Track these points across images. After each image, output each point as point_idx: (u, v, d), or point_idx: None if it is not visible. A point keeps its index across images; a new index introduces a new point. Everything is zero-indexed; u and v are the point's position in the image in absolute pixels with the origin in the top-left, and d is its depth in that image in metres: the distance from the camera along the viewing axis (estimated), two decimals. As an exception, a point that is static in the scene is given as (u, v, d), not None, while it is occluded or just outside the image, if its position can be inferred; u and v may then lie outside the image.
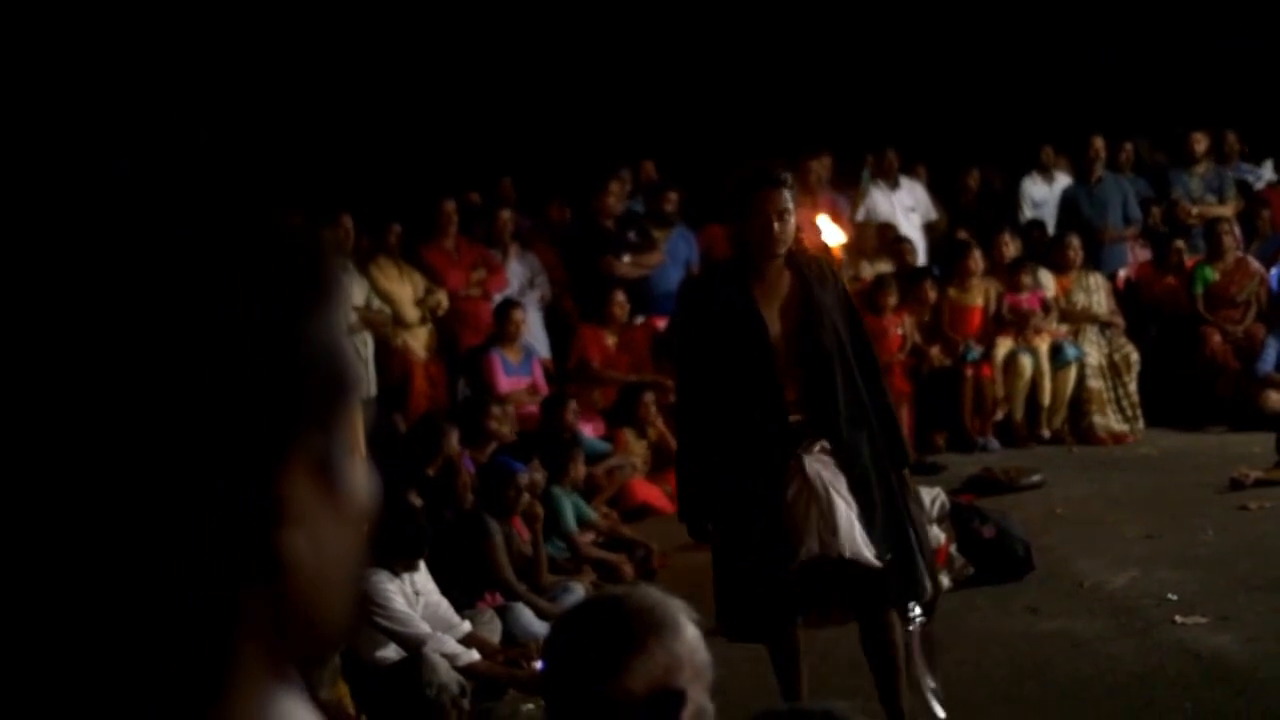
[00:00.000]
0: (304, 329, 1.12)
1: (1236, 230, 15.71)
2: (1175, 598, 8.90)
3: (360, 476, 1.17)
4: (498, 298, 13.93)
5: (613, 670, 2.91)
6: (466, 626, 8.26)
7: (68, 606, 1.05)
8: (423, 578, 8.21)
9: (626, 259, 14.64)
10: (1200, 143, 16.94)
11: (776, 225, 6.66)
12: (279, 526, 1.09)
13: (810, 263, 6.97)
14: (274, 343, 1.09)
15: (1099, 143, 16.54)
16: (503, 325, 13.38)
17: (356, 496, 1.17)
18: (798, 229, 6.98)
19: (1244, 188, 17.42)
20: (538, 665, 7.61)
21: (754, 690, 7.56)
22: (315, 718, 1.21)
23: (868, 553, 6.51)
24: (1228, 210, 16.42)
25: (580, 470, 11.21)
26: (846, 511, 6.55)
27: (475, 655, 8.01)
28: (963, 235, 15.73)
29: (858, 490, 6.61)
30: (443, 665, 7.69)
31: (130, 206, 1.10)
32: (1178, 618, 8.51)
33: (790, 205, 6.70)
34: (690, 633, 2.99)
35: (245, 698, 1.11)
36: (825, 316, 6.72)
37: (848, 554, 6.48)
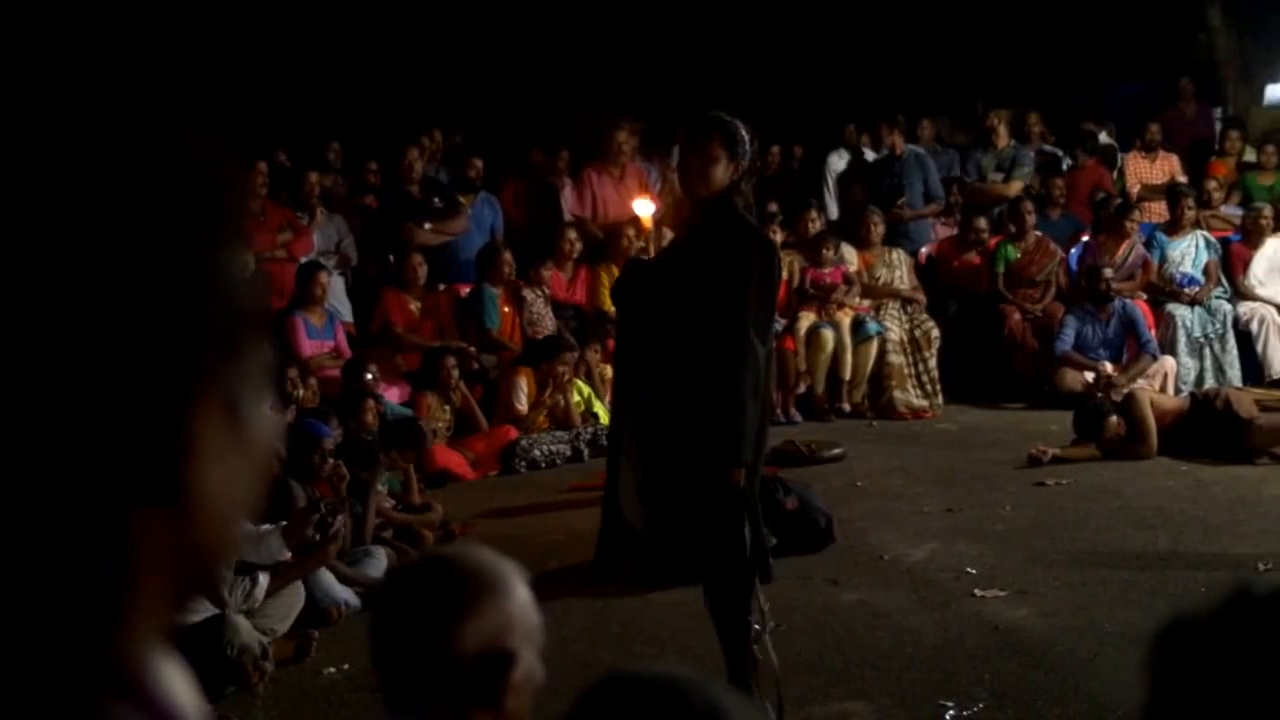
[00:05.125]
0: (211, 261, 1.11)
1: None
2: (974, 571, 9.01)
3: (266, 417, 1.19)
4: (302, 260, 13.77)
5: (444, 629, 2.92)
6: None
7: None
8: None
9: (427, 226, 14.55)
10: (998, 121, 17.17)
11: (686, 170, 6.36)
12: (186, 458, 1.09)
13: (731, 227, 6.28)
14: (181, 273, 1.09)
15: (900, 120, 16.76)
16: (306, 288, 13.27)
17: (261, 435, 1.18)
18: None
19: (1053, 166, 17.71)
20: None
21: (588, 653, 7.59)
22: (182, 670, 1.20)
23: (635, 519, 6.51)
24: (1011, 190, 16.69)
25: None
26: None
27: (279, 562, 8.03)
28: (773, 208, 15.78)
29: (658, 470, 6.42)
30: (244, 626, 7.59)
31: (38, 135, 1.09)
32: (976, 591, 8.62)
33: (710, 153, 6.23)
34: (522, 594, 3.01)
35: (141, 627, 1.11)
36: (685, 287, 6.25)
37: (626, 514, 6.53)
